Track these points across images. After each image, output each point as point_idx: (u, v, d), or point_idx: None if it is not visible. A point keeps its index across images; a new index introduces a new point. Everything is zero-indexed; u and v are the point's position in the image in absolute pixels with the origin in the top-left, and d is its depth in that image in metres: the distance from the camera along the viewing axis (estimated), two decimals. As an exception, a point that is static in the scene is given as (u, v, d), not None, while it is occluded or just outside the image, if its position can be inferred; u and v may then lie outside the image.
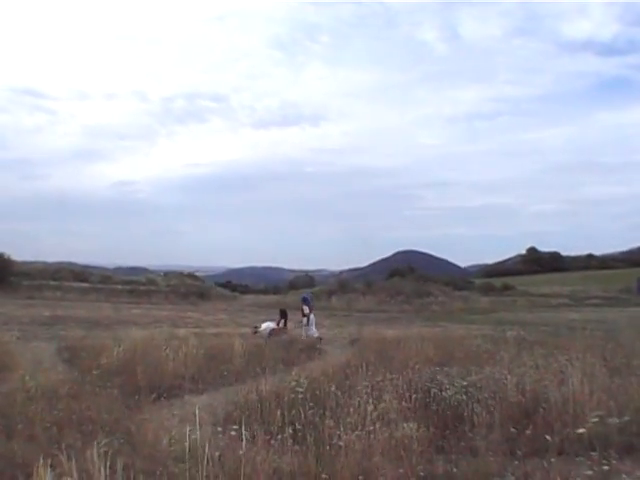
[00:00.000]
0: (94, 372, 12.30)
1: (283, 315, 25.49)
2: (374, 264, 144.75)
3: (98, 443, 6.13)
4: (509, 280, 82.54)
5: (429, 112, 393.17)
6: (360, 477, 6.33)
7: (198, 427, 6.40)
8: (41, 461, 5.44)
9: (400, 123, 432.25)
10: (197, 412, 7.37)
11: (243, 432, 6.66)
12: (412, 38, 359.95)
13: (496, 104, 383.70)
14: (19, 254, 64.92)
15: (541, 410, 9.19)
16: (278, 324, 24.88)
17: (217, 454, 6.08)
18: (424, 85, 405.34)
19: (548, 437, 7.79)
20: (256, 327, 24.47)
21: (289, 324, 25.60)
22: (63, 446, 6.59)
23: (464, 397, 9.81)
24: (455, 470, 7.23)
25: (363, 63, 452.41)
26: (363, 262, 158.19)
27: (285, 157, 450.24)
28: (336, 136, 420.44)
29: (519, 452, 7.82)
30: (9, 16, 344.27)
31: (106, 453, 5.88)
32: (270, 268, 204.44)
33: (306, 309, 24.82)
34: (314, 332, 24.50)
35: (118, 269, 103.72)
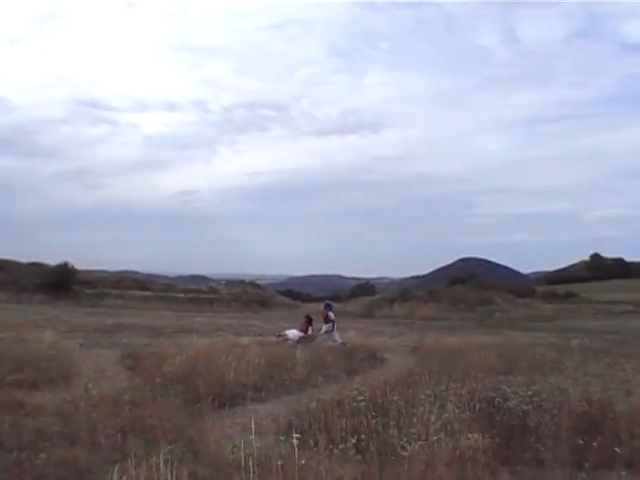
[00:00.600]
0: (157, 380, 12.38)
1: (309, 321, 25.26)
2: (435, 272, 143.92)
3: (163, 451, 6.16)
4: (572, 287, 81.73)
5: (489, 117, 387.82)
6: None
7: (260, 436, 6.37)
8: (115, 468, 5.48)
9: (460, 129, 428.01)
10: (259, 421, 7.37)
11: (306, 441, 6.64)
12: (471, 42, 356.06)
13: (558, 108, 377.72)
14: (82, 263, 65.95)
15: (608, 421, 8.99)
16: (306, 331, 24.66)
17: (280, 463, 6.05)
18: (484, 90, 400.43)
19: (617, 449, 7.61)
20: (280, 335, 24.39)
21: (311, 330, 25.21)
22: (127, 453, 6.65)
23: (529, 407, 9.65)
24: (521, 482, 7.11)
25: (423, 68, 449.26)
26: (424, 270, 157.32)
27: (345, 165, 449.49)
28: (396, 143, 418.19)
29: (586, 464, 7.60)
30: (71, 30, 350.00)
31: (170, 461, 5.90)
32: (331, 276, 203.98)
33: (332, 315, 24.88)
34: (338, 338, 24.38)
35: (179, 278, 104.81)
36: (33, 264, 62.70)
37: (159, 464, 5.79)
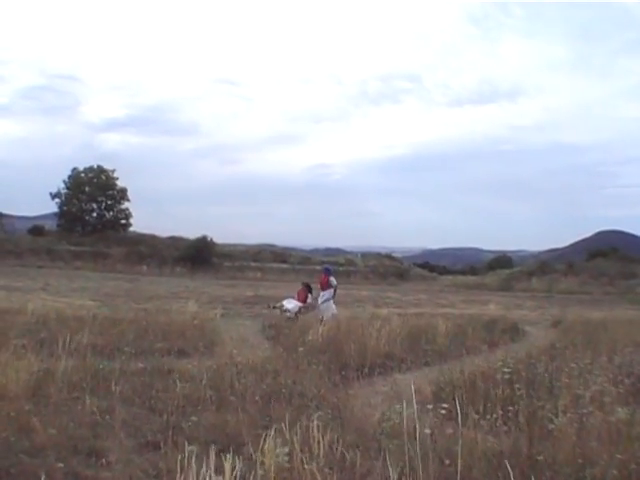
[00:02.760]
0: (300, 349, 12.52)
1: (308, 289, 22.94)
2: (574, 244, 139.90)
3: (313, 416, 6.23)
4: None
5: (633, 83, 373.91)
6: (579, 460, 6.08)
7: (405, 405, 6.34)
8: (271, 431, 5.58)
9: (602, 96, 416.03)
10: (404, 390, 7.36)
11: (451, 411, 6.59)
12: (611, 4, 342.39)
13: None
14: (221, 237, 67.26)
15: None
16: (304, 300, 22.31)
17: (428, 432, 6.03)
18: (627, 54, 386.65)
19: None
20: (275, 306, 22.10)
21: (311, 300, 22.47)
22: (274, 418, 6.76)
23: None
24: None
25: (560, 34, 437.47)
26: (563, 242, 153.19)
27: (481, 135, 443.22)
28: (534, 112, 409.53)
29: None
30: (207, 12, 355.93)
31: (319, 426, 5.96)
32: (467, 249, 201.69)
33: (333, 280, 22.08)
34: (334, 309, 21.46)
35: (315, 251, 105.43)
36: (173, 238, 64.57)
37: (312, 428, 5.87)
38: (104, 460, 6.21)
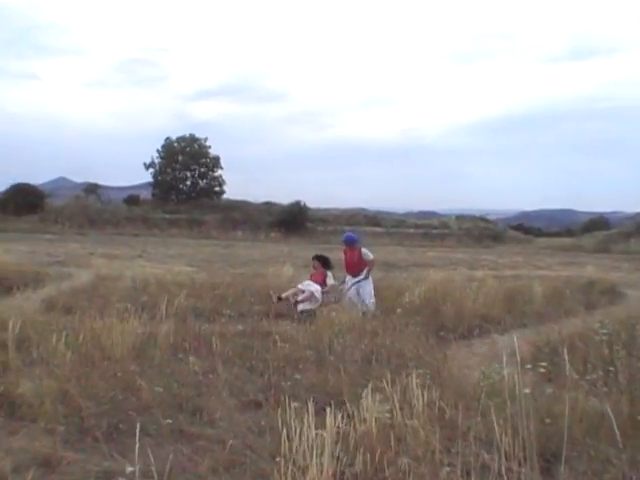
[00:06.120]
0: (398, 310, 12.57)
1: (324, 265, 15.26)
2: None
3: (409, 374, 6.30)
4: None
5: None
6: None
7: (505, 365, 6.34)
8: (370, 385, 5.67)
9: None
10: (502, 351, 7.35)
11: (550, 372, 6.57)
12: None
13: None
14: (313, 201, 67.86)
15: None
16: (323, 283, 14.68)
17: (528, 391, 6.02)
18: None
19: None
20: (280, 296, 14.21)
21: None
22: (374, 377, 6.85)
23: None
24: None
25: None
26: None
27: (576, 94, 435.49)
28: (631, 68, 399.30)
29: None
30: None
31: (419, 384, 6.02)
32: (562, 210, 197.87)
33: (368, 254, 14.86)
34: (372, 296, 14.51)
35: (408, 214, 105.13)
36: (266, 204, 65.40)
37: (412, 385, 5.93)
38: (208, 418, 6.41)
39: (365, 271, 14.56)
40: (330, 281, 14.88)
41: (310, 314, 13.29)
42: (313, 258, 15.58)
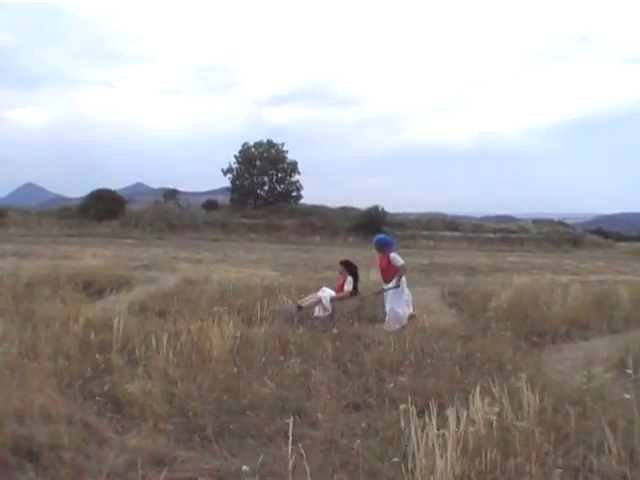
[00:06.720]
0: (486, 315, 12.58)
1: (351, 271, 14.16)
2: None
3: (508, 378, 6.35)
4: None
5: None
6: None
7: (602, 370, 6.35)
8: (477, 388, 5.72)
9: None
10: (593, 356, 7.35)
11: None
12: None
13: None
14: (390, 206, 67.82)
15: None
16: (341, 286, 13.93)
17: (628, 396, 6.03)
18: None
19: None
20: (300, 305, 13.40)
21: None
22: (471, 382, 6.91)
23: None
24: None
25: None
26: None
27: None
28: None
29: None
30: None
31: (518, 389, 6.07)
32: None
33: (398, 259, 13.36)
34: (409, 306, 13.43)
35: (485, 218, 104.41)
36: (344, 208, 65.55)
37: (522, 387, 5.99)
38: (311, 419, 6.54)
39: (395, 278, 13.26)
40: (347, 287, 13.88)
41: (324, 320, 12.94)
42: (340, 263, 14.59)
